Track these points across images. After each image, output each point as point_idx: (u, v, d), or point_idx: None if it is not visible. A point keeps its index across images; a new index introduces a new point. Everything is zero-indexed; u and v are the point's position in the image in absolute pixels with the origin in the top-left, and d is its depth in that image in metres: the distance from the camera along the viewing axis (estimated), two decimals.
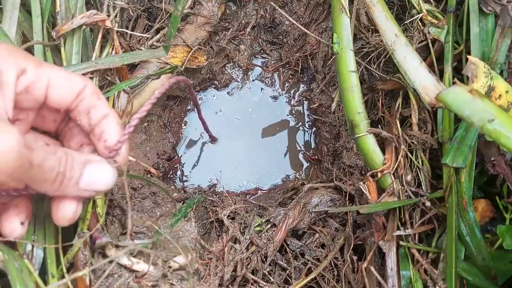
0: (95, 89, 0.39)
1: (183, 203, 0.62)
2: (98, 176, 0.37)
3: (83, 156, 0.37)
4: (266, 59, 0.85)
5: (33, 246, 0.42)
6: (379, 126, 0.63)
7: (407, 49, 0.53)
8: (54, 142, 0.43)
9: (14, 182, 0.32)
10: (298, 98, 0.84)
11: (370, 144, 0.57)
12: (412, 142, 0.56)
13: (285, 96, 0.84)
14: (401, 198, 0.54)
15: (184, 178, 0.78)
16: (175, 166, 0.79)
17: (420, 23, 0.58)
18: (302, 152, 0.81)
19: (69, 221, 0.38)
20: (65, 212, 0.38)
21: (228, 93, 0.83)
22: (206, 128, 0.68)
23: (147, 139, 0.75)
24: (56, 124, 0.42)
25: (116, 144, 0.38)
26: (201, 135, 0.80)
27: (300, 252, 0.63)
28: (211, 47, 0.79)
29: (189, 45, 0.70)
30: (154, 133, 0.77)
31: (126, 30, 0.67)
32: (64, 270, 0.43)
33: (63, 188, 0.35)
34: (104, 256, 0.47)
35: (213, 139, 0.79)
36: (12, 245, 0.41)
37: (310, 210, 0.64)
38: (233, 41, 0.84)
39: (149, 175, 0.71)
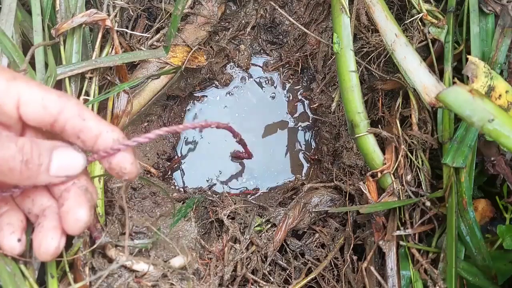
0: (77, 110, 0.35)
1: (183, 203, 0.62)
2: (67, 160, 0.35)
3: (49, 142, 0.35)
4: (266, 59, 0.85)
5: (31, 246, 0.41)
6: (379, 126, 0.63)
7: (407, 49, 0.53)
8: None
9: None
10: (298, 98, 0.84)
11: (370, 144, 0.57)
12: (412, 142, 0.56)
13: (285, 96, 0.84)
14: (401, 198, 0.54)
15: (184, 178, 0.78)
16: (175, 166, 0.78)
17: (420, 23, 0.58)
18: (302, 152, 0.81)
19: (53, 256, 0.36)
20: (48, 246, 0.35)
21: (228, 93, 0.83)
22: (245, 149, 0.64)
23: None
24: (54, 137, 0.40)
25: (108, 151, 0.35)
26: (201, 135, 0.80)
27: (300, 252, 0.63)
28: (211, 47, 0.78)
29: (189, 45, 0.70)
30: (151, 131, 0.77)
31: (126, 30, 0.67)
32: (67, 269, 0.43)
33: (34, 176, 0.34)
34: (104, 256, 0.47)
35: (249, 156, 0.75)
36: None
37: (310, 210, 0.64)
38: (233, 41, 0.84)
39: (149, 175, 0.71)
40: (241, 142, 0.52)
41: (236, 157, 0.78)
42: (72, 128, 0.35)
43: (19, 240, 0.37)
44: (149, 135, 0.37)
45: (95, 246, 0.46)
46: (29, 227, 0.40)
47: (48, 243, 0.35)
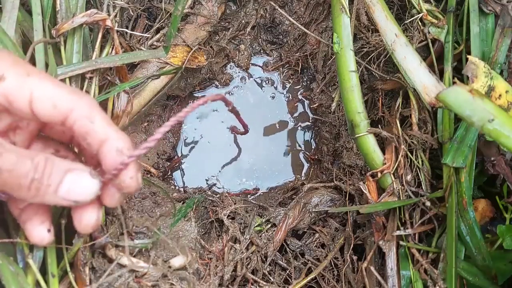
0: (87, 110, 0.35)
1: (183, 203, 0.62)
2: (79, 185, 0.34)
3: (65, 163, 0.34)
4: (266, 59, 0.85)
5: (32, 246, 0.42)
6: (379, 126, 0.63)
7: (407, 49, 0.53)
8: (67, 152, 0.40)
9: None
10: (298, 98, 0.84)
11: (370, 144, 0.57)
12: (412, 142, 0.56)
13: (285, 96, 0.84)
14: (401, 198, 0.54)
15: (184, 178, 0.78)
16: (175, 166, 0.79)
17: (420, 23, 0.58)
18: (302, 152, 0.81)
19: (93, 228, 0.37)
20: (89, 220, 0.36)
21: (228, 92, 0.83)
22: (239, 119, 0.62)
23: (147, 139, 0.75)
24: (67, 136, 0.40)
25: (117, 167, 0.35)
26: (201, 135, 0.80)
27: (300, 252, 0.63)
28: (211, 47, 0.78)
29: (189, 45, 0.70)
30: (155, 133, 0.77)
31: (126, 30, 0.67)
32: (68, 269, 0.43)
33: (41, 195, 0.33)
34: (104, 256, 0.47)
35: (246, 130, 0.70)
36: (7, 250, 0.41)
37: (310, 210, 0.64)
38: (233, 41, 0.84)
39: (149, 175, 0.71)
40: (233, 111, 0.51)
41: (233, 131, 0.77)
42: (80, 129, 0.35)
43: (49, 230, 0.38)
44: (156, 136, 0.36)
45: (95, 246, 0.46)
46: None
47: (89, 217, 0.36)
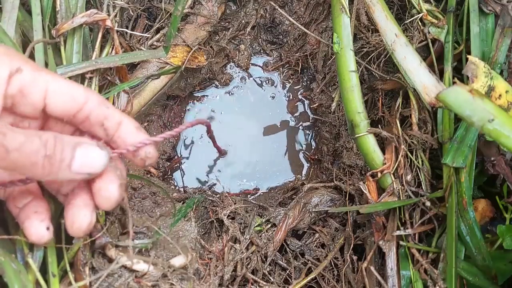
0: (101, 99, 0.38)
1: (183, 203, 0.62)
2: (90, 157, 0.35)
3: (73, 138, 0.36)
4: (266, 59, 0.85)
5: (33, 245, 0.42)
6: (379, 126, 0.63)
7: (407, 49, 0.53)
8: None
9: None
10: (298, 98, 0.84)
11: (370, 144, 0.57)
12: (412, 142, 0.56)
13: (285, 96, 0.84)
14: (401, 198, 0.54)
15: (184, 178, 0.78)
16: (175, 166, 0.79)
17: (420, 23, 0.58)
18: (302, 152, 0.81)
19: (85, 232, 0.37)
20: (81, 223, 0.37)
21: (228, 92, 0.83)
22: (215, 144, 0.66)
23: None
24: (66, 133, 0.40)
25: (137, 144, 0.38)
26: (201, 135, 0.80)
27: (300, 252, 0.63)
28: (211, 47, 0.79)
29: (189, 45, 0.70)
30: (154, 133, 0.77)
31: (126, 30, 0.67)
32: (68, 269, 0.43)
33: (55, 172, 0.34)
34: (104, 256, 0.47)
35: (221, 153, 0.78)
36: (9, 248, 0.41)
37: (310, 210, 0.64)
38: (233, 41, 0.84)
39: (149, 175, 0.71)
40: (211, 136, 0.56)
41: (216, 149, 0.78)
42: (97, 116, 0.37)
43: (48, 228, 0.38)
44: (171, 132, 0.40)
45: (95, 246, 0.46)
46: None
47: (81, 220, 0.37)
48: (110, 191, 0.37)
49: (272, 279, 0.60)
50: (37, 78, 0.35)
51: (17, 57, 0.35)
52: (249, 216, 0.63)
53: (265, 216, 0.64)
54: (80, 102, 0.36)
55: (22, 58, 0.35)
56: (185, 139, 0.80)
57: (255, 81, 0.84)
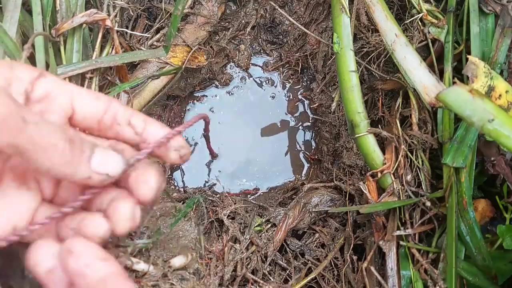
0: (120, 103, 0.38)
1: (183, 203, 0.62)
2: (109, 157, 0.34)
3: (91, 138, 0.35)
4: (266, 59, 0.85)
5: None
6: (379, 126, 0.63)
7: (407, 49, 0.53)
8: None
9: (10, 149, 0.27)
10: (298, 98, 0.84)
11: (370, 144, 0.57)
12: (412, 142, 0.56)
13: (285, 96, 0.84)
14: (401, 198, 0.54)
15: (184, 178, 0.78)
16: (175, 166, 0.78)
17: (420, 23, 0.58)
18: (302, 152, 0.81)
19: (131, 227, 0.34)
20: (123, 214, 0.34)
21: (228, 92, 0.83)
22: (208, 145, 0.67)
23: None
24: None
25: (168, 135, 0.37)
26: (201, 135, 0.80)
27: (300, 252, 0.63)
28: (211, 47, 0.79)
29: (189, 45, 0.70)
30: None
31: (126, 30, 0.67)
32: None
33: (75, 162, 0.31)
34: None
35: (213, 155, 0.79)
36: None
37: (310, 210, 0.64)
38: (233, 41, 0.84)
39: None
40: (206, 137, 0.56)
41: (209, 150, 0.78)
42: (124, 115, 0.37)
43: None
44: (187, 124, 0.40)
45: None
46: None
47: (123, 212, 0.34)
48: (149, 179, 0.35)
49: (272, 279, 0.60)
50: (61, 82, 0.35)
51: (34, 67, 0.35)
52: (249, 216, 0.63)
53: (265, 216, 0.64)
54: (106, 103, 0.36)
55: (39, 69, 0.35)
56: (185, 139, 0.80)
57: (255, 81, 0.84)
